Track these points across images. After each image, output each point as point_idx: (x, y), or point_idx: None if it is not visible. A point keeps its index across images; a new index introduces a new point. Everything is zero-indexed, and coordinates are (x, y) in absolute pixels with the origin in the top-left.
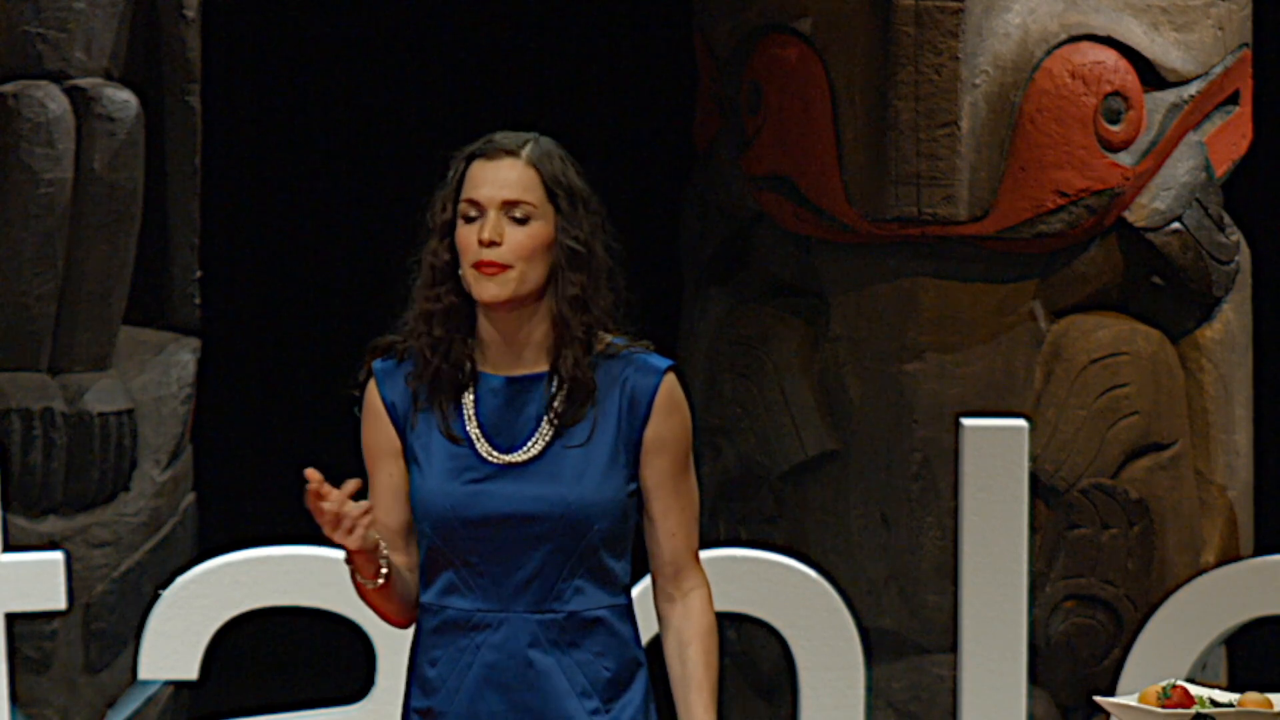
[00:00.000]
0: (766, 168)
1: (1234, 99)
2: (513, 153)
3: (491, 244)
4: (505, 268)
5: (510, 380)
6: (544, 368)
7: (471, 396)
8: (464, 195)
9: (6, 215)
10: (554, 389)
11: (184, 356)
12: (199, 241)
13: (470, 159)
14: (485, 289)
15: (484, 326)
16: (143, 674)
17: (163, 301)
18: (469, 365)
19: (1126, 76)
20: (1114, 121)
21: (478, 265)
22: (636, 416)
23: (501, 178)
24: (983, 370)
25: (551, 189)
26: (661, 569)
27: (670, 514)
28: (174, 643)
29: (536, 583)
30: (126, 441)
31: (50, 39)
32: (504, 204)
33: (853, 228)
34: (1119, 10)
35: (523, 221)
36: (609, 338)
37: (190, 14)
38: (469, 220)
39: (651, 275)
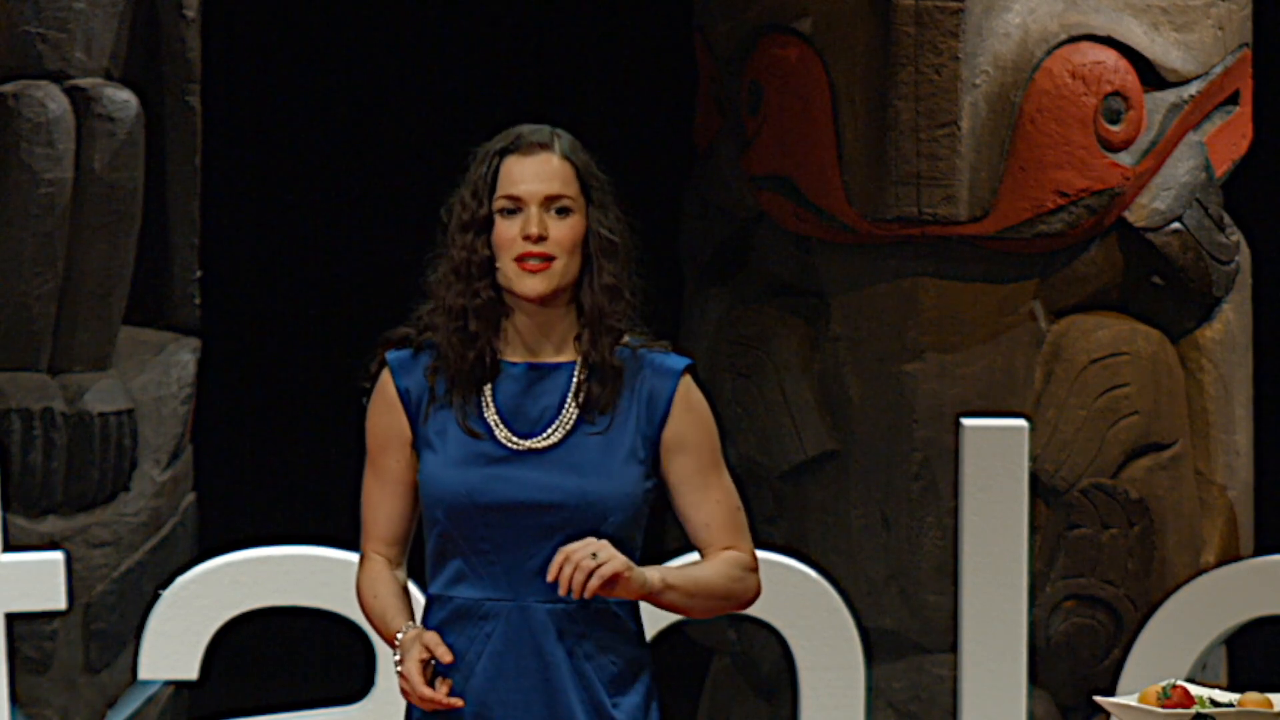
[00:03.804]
0: (766, 168)
1: (1234, 99)
2: (546, 146)
3: (539, 238)
4: (549, 262)
5: (531, 367)
6: (566, 358)
7: (490, 384)
8: (501, 191)
9: (6, 215)
10: (583, 376)
11: (184, 356)
12: (199, 241)
13: (501, 154)
14: (529, 285)
15: (512, 316)
16: (143, 674)
17: (163, 301)
18: (491, 355)
19: (1126, 76)
20: (1114, 121)
21: (521, 260)
22: (655, 416)
23: (540, 172)
24: (983, 370)
25: (586, 181)
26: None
27: (701, 507)
28: (174, 643)
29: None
30: (126, 441)
31: (50, 39)
32: (546, 199)
33: (853, 228)
34: (1119, 10)
35: (563, 214)
36: (627, 337)
37: (190, 14)
38: (507, 215)
39: (652, 275)
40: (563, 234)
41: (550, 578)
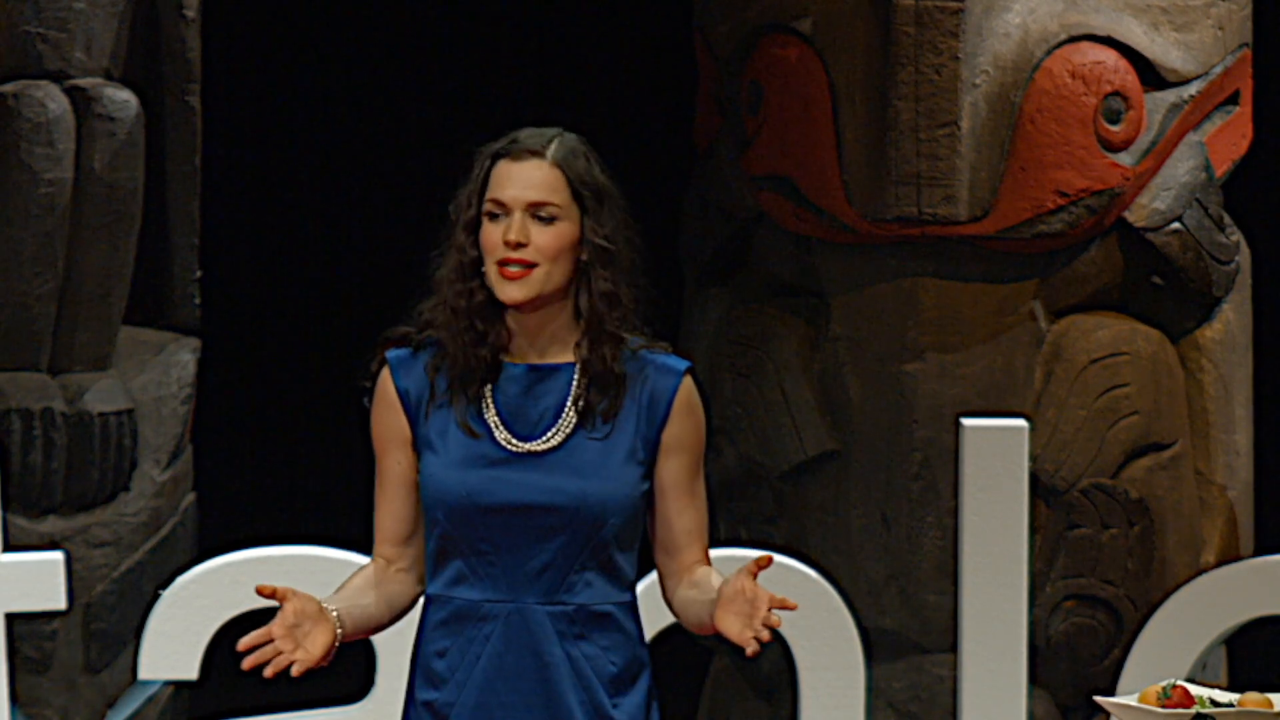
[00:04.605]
0: (766, 168)
1: (1234, 99)
2: (538, 153)
3: (517, 245)
4: (529, 269)
5: (531, 368)
6: (566, 359)
7: (490, 385)
8: (489, 194)
9: (6, 215)
10: (583, 382)
11: (184, 356)
12: (199, 241)
13: (495, 157)
14: (507, 291)
15: (508, 318)
16: (143, 674)
17: (163, 301)
18: (491, 356)
19: (1126, 76)
20: (1114, 121)
21: (501, 266)
22: (656, 416)
23: (526, 178)
24: (983, 370)
25: (577, 189)
26: (676, 570)
27: (685, 513)
28: (174, 643)
29: (548, 574)
30: (126, 441)
31: (50, 39)
32: (529, 205)
33: (853, 228)
34: (1119, 10)
35: (548, 221)
36: (627, 337)
37: (190, 14)
38: (493, 219)
39: (652, 275)
40: (546, 241)
41: (769, 626)
